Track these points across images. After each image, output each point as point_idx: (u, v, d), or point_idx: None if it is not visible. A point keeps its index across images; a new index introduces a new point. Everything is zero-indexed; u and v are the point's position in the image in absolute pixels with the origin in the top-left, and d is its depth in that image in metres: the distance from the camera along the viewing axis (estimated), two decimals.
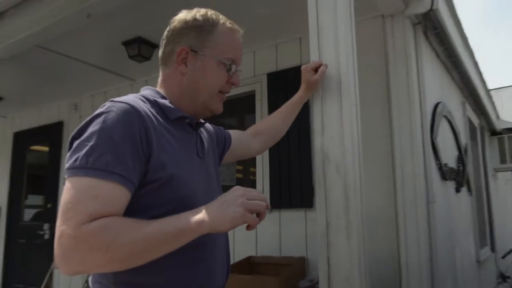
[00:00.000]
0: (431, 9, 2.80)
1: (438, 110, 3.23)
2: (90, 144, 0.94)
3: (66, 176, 0.95)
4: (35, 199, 5.90)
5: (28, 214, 5.85)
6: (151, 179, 1.01)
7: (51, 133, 5.48)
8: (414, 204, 2.81)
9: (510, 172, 9.97)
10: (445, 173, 3.24)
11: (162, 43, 1.22)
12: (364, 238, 1.75)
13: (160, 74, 1.23)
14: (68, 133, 5.28)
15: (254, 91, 3.83)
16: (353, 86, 1.80)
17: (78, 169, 0.93)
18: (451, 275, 3.26)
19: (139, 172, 0.99)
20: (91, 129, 0.97)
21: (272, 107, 3.67)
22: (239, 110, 4.10)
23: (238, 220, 0.95)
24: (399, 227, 2.86)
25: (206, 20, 1.18)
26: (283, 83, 3.60)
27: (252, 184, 3.75)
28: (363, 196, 1.79)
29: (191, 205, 1.07)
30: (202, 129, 1.31)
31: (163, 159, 1.03)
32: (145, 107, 1.06)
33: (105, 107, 1.01)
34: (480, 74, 5.05)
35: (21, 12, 3.10)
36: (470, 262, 4.21)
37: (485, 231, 5.49)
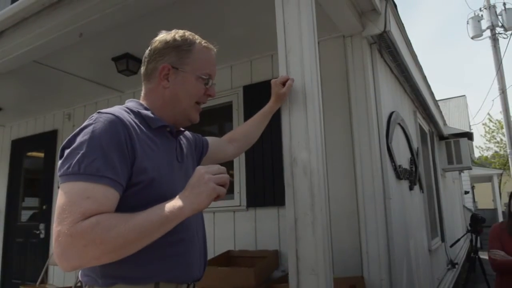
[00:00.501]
0: (384, 31, 2.88)
1: (392, 118, 3.30)
2: (82, 152, 0.95)
3: (60, 183, 0.95)
4: (32, 201, 5.76)
5: (25, 215, 5.70)
6: (135, 182, 1.02)
7: (46, 141, 5.37)
8: (373, 200, 2.87)
9: (457, 172, 10.27)
10: (399, 173, 3.32)
11: (145, 61, 1.24)
12: (329, 232, 1.78)
13: (143, 88, 1.24)
14: (62, 141, 5.15)
15: (231, 101, 3.84)
16: (317, 98, 1.83)
17: (71, 175, 0.93)
18: (406, 263, 3.33)
19: (126, 175, 1.00)
20: (81, 138, 0.97)
21: (248, 116, 3.68)
22: (218, 119, 4.10)
23: (212, 195, 0.98)
24: (360, 220, 2.91)
25: (184, 40, 1.20)
26: (257, 95, 3.63)
27: (230, 186, 3.75)
28: (327, 194, 1.82)
29: None
30: (181, 136, 1.32)
31: (145, 164, 1.04)
32: (129, 117, 1.07)
33: (93, 118, 1.02)
34: (428, 87, 5.19)
35: (18, 31, 3.05)
36: (423, 251, 4.31)
37: (436, 223, 5.62)
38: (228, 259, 3.39)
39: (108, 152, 0.96)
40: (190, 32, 1.23)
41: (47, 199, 5.15)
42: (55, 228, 0.90)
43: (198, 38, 1.23)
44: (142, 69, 1.25)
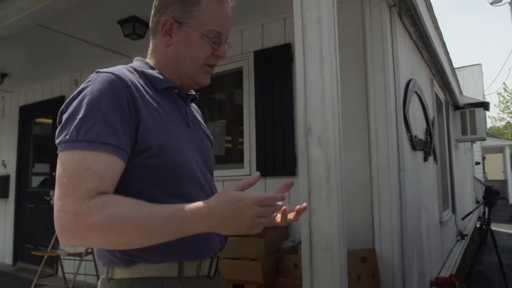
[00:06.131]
0: None
1: (410, 86, 3.15)
2: (79, 116, 0.85)
3: (58, 151, 0.86)
4: (42, 167, 5.76)
5: (36, 181, 5.73)
6: (141, 149, 0.92)
7: (54, 107, 5.29)
8: (387, 171, 2.77)
9: (469, 142, 10.08)
10: (415, 144, 3.20)
11: (152, 13, 1.10)
12: (343, 206, 1.70)
13: (150, 43, 1.11)
14: None
15: (241, 67, 3.69)
16: (335, 63, 1.71)
17: (69, 143, 0.84)
18: (417, 235, 3.27)
19: (130, 140, 0.90)
20: (78, 102, 0.88)
21: (259, 83, 3.55)
22: (227, 86, 3.97)
23: (242, 232, 0.85)
24: (373, 192, 2.83)
25: None
26: (269, 61, 3.47)
27: (240, 154, 3.67)
28: (343, 166, 1.73)
29: (183, 174, 0.98)
30: (194, 111, 1.20)
31: (151, 128, 0.93)
32: (132, 77, 0.96)
33: (91, 79, 0.92)
34: (447, 54, 4.97)
35: None
36: (434, 223, 4.24)
37: (448, 195, 5.54)
38: None
39: (109, 115, 0.87)
40: None
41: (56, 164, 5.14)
42: (56, 200, 0.82)
43: None
44: (150, 22, 1.11)
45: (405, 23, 3.20)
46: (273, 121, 3.43)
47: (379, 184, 2.79)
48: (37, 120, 5.83)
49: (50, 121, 5.58)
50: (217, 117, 4.03)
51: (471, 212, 4.67)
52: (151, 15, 1.09)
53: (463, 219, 4.77)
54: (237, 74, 3.72)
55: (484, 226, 4.07)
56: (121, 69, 0.97)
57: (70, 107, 0.89)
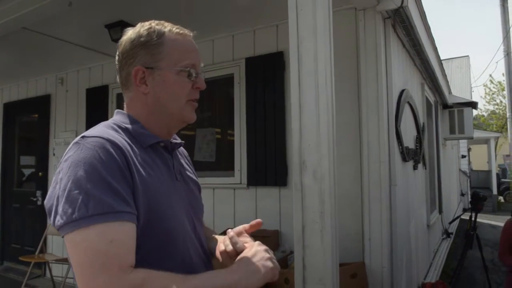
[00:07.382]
0: (401, 6, 2.65)
1: (402, 98, 3.14)
2: (82, 190, 0.80)
3: (65, 234, 0.80)
4: (27, 160, 5.61)
5: (21, 174, 5.59)
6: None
7: (39, 106, 5.18)
8: (379, 187, 2.76)
9: None
10: (405, 155, 3.20)
11: (117, 68, 1.06)
12: (337, 239, 1.68)
13: (125, 98, 1.07)
14: (56, 106, 5.01)
15: (232, 74, 3.63)
16: (330, 95, 1.68)
17: (80, 220, 0.79)
18: (406, 244, 3.29)
19: (134, 204, 0.87)
20: (73, 176, 0.82)
21: (250, 89, 3.50)
22: (218, 92, 3.91)
23: (268, 275, 0.91)
24: (363, 206, 2.83)
25: (151, 33, 1.00)
26: (260, 68, 3.42)
27: (231, 162, 3.62)
28: (337, 199, 1.71)
29: (177, 236, 0.96)
30: (180, 154, 1.16)
31: (142, 192, 0.89)
32: (120, 137, 0.92)
33: (80, 146, 0.87)
34: (438, 58, 4.96)
35: None
36: (422, 228, 4.29)
37: (435, 197, 5.59)
38: None
39: (112, 182, 0.83)
40: (158, 21, 1.04)
41: (43, 164, 5.05)
42: (86, 284, 0.78)
43: (167, 26, 1.03)
44: (118, 78, 1.07)
45: (399, 34, 3.17)
46: (264, 129, 3.39)
47: (370, 198, 2.79)
48: (22, 117, 5.69)
49: (35, 117, 5.46)
50: (208, 123, 3.98)
51: (458, 217, 4.73)
52: (117, 71, 1.06)
53: (450, 223, 4.83)
54: (228, 80, 3.66)
55: (471, 232, 4.12)
56: (107, 131, 0.93)
57: (62, 182, 0.83)
